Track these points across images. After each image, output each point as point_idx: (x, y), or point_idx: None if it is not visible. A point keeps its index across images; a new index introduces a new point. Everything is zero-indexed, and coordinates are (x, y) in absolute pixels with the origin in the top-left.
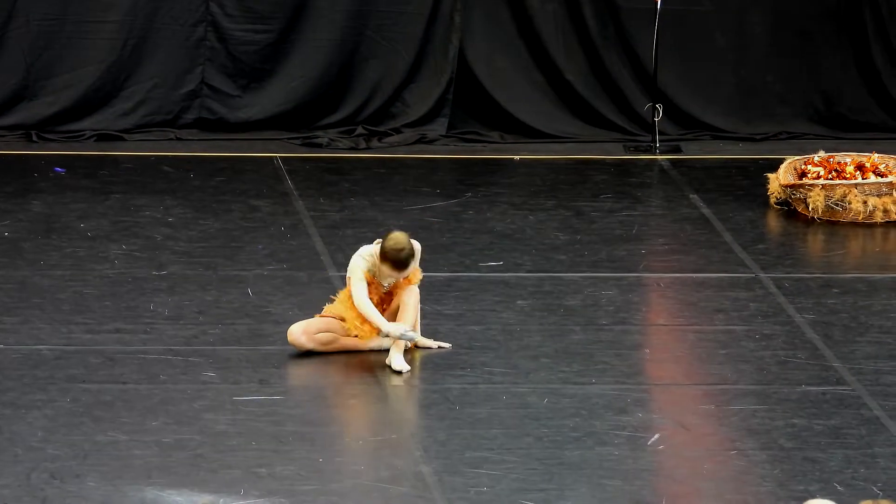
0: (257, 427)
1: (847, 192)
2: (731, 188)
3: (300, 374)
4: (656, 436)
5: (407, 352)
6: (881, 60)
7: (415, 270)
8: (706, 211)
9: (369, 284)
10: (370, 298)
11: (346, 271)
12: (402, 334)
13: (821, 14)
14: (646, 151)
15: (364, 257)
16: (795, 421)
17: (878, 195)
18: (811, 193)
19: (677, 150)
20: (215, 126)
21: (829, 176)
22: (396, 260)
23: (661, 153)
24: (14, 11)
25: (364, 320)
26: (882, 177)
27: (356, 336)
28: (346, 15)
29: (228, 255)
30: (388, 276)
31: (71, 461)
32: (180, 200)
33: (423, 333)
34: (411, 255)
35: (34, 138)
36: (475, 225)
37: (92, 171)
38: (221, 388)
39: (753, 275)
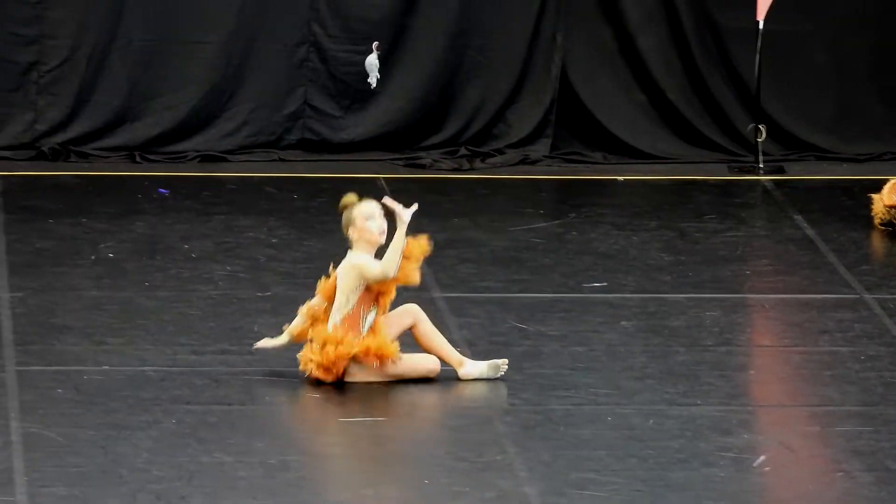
0: (362, 448)
1: None
2: (835, 209)
3: (404, 395)
4: (762, 457)
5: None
6: None
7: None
8: (810, 232)
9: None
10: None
11: (449, 292)
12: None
13: None
14: (749, 172)
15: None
16: None
17: None
18: None
19: (781, 171)
20: (318, 147)
21: None
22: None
23: (765, 174)
24: (117, 33)
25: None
26: None
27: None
28: (448, 35)
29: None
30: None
31: (176, 482)
32: (284, 221)
33: (526, 355)
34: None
35: (137, 159)
36: (578, 246)
37: (195, 192)
38: (326, 409)
39: (858, 296)
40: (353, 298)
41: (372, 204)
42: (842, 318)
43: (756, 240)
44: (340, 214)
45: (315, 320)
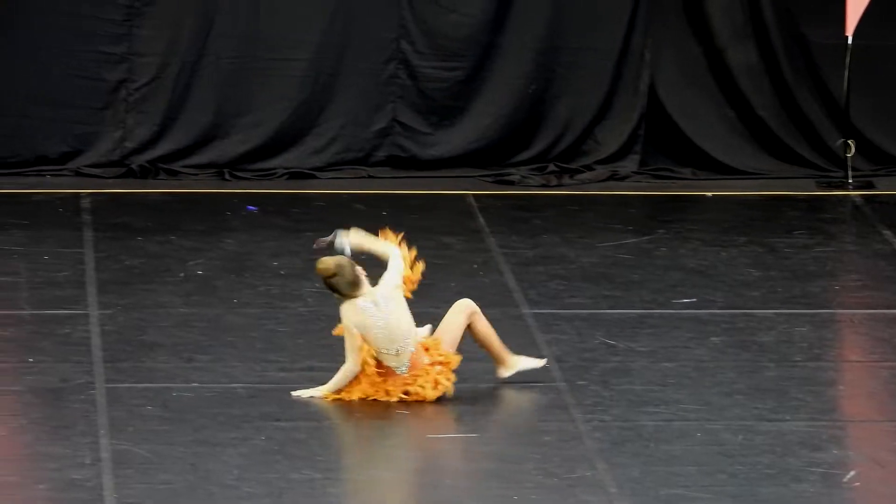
0: (451, 464)
1: None
2: None
3: (493, 411)
4: (851, 473)
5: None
6: None
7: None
8: None
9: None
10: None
11: (539, 309)
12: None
13: None
14: (838, 187)
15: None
16: None
17: None
18: None
19: (870, 186)
20: (407, 163)
21: None
22: (325, 283)
23: (854, 189)
24: (205, 50)
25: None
26: None
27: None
28: (537, 52)
29: (420, 293)
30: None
31: (265, 499)
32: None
33: (615, 371)
34: (332, 275)
35: (226, 176)
36: (667, 261)
37: (284, 209)
38: (415, 426)
39: None
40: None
41: (341, 255)
42: None
43: (845, 255)
44: (330, 278)
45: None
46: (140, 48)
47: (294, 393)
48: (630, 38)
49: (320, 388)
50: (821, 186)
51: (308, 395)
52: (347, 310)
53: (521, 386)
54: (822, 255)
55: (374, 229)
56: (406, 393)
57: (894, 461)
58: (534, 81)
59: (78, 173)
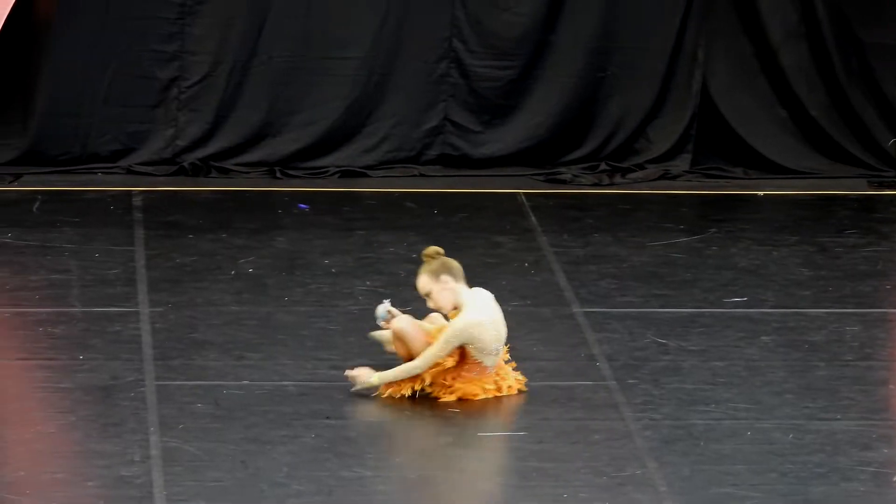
0: (500, 463)
1: None
2: None
3: (543, 410)
4: None
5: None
6: None
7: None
8: None
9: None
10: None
11: (590, 307)
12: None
13: None
14: (890, 187)
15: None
16: None
17: None
18: None
19: None
20: (458, 162)
21: None
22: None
23: None
24: (257, 49)
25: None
26: None
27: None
28: (589, 51)
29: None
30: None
31: (316, 497)
32: (423, 237)
33: (666, 370)
34: (425, 258)
35: (277, 175)
36: (718, 261)
37: (335, 207)
38: (465, 424)
39: None
40: None
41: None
42: None
43: None
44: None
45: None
46: (192, 46)
47: (349, 373)
48: (683, 38)
49: (381, 374)
50: (872, 186)
51: (365, 382)
52: (480, 302)
53: (572, 384)
54: (873, 255)
55: (425, 228)
56: (498, 389)
57: None
58: (586, 80)
59: (129, 171)
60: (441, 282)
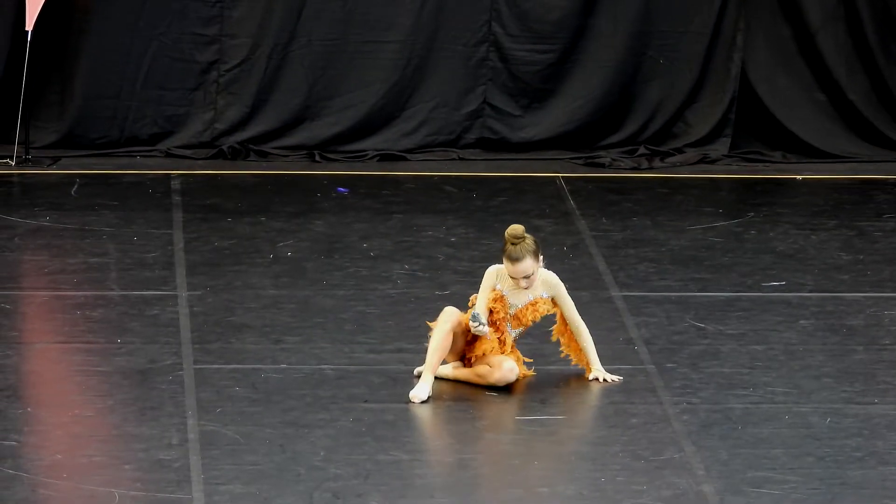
0: (539, 446)
1: None
2: None
3: (581, 393)
4: None
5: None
6: None
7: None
8: None
9: (497, 301)
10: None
11: (628, 291)
12: (475, 317)
13: None
14: None
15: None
16: None
17: None
18: None
19: None
20: (497, 146)
21: None
22: (508, 248)
23: None
24: (296, 32)
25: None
26: None
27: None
28: (628, 35)
29: None
30: (512, 279)
31: (353, 480)
32: (462, 220)
33: (705, 353)
34: (520, 240)
35: (317, 158)
36: (757, 245)
37: (374, 191)
38: (503, 408)
39: None
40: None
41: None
42: None
43: None
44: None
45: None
46: (231, 30)
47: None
48: (721, 22)
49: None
50: None
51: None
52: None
53: (609, 368)
54: None
55: (464, 211)
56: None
57: None
58: (625, 64)
59: (168, 154)
60: (540, 261)
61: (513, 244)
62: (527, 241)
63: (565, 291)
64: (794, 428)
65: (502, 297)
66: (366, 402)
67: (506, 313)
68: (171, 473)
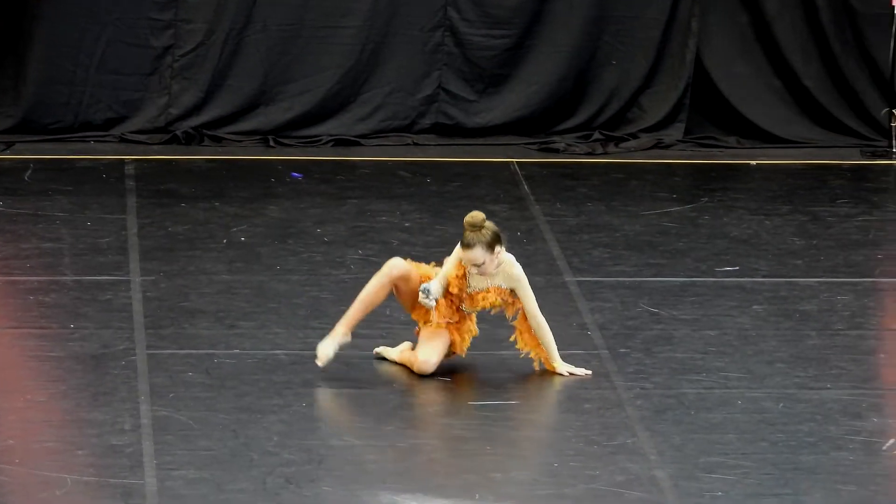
0: (492, 431)
1: None
2: None
3: (535, 378)
4: (892, 441)
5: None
6: None
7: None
8: None
9: (458, 277)
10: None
11: (582, 276)
12: (425, 290)
13: None
14: (882, 156)
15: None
16: None
17: None
18: None
19: None
20: (452, 131)
21: None
22: (464, 234)
23: None
24: (251, 17)
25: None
26: None
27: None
28: (584, 21)
29: None
30: (470, 265)
31: (306, 465)
32: (417, 206)
33: (658, 339)
34: (475, 229)
35: (271, 143)
36: (711, 230)
37: (329, 176)
38: (457, 393)
39: None
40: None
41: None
42: None
43: (889, 224)
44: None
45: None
46: (186, 15)
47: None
48: (677, 8)
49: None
50: (865, 155)
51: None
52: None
53: (563, 354)
54: (865, 224)
55: (418, 197)
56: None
57: None
58: (580, 49)
59: (122, 139)
60: (494, 253)
61: (469, 231)
62: (483, 231)
63: (527, 286)
64: (748, 413)
65: (464, 275)
66: (319, 387)
67: (462, 291)
68: (124, 458)
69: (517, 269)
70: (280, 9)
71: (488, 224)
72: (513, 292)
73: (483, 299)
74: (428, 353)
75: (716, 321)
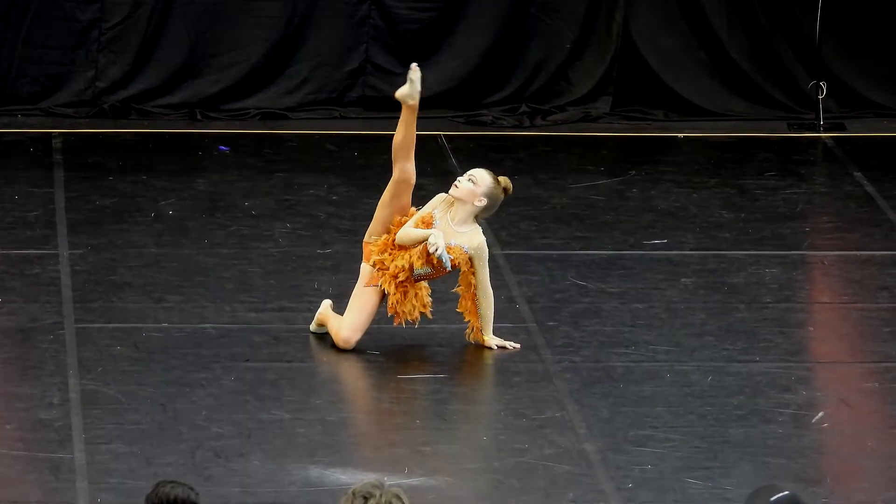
0: (421, 405)
1: None
2: (895, 165)
3: (464, 352)
4: (820, 414)
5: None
6: None
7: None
8: (870, 188)
9: (424, 224)
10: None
11: (510, 250)
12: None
13: None
14: (809, 129)
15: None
16: None
17: None
18: None
19: (841, 128)
20: (379, 104)
21: None
22: (499, 190)
23: (825, 131)
24: None
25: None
26: None
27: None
28: None
29: None
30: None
31: (235, 439)
32: (344, 179)
33: (586, 312)
34: (506, 192)
35: (198, 117)
36: (639, 203)
37: (256, 149)
38: (385, 367)
39: None
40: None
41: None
42: None
43: (816, 197)
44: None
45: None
46: None
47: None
48: None
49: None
50: (792, 128)
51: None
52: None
53: (492, 328)
54: (793, 197)
55: (345, 170)
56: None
57: (863, 402)
58: (507, 22)
59: (49, 113)
60: (481, 194)
61: (500, 183)
62: (499, 186)
63: (486, 256)
64: (676, 386)
65: (430, 224)
66: (247, 360)
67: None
68: (53, 433)
69: (483, 240)
70: None
71: (501, 196)
72: (471, 260)
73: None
74: (349, 332)
75: (644, 294)
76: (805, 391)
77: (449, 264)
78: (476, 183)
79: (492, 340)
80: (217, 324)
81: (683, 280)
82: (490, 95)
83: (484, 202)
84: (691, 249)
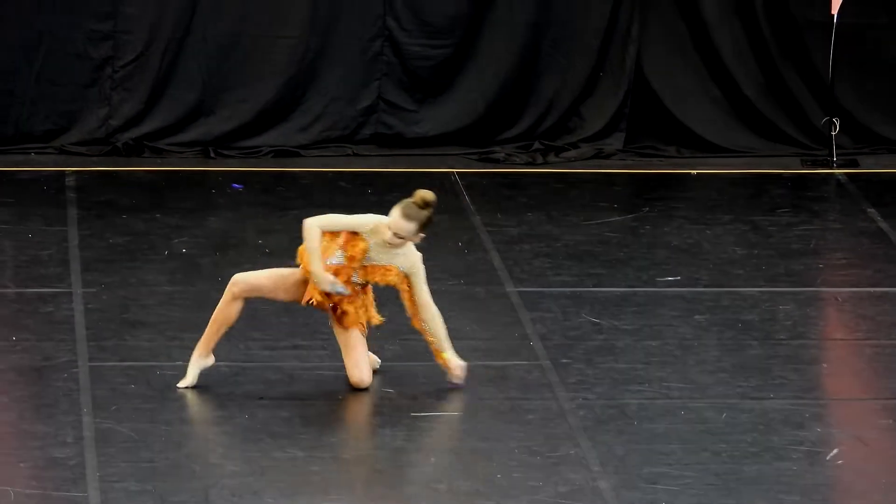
0: (435, 442)
1: None
2: None
3: (477, 389)
4: (835, 451)
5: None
6: None
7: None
8: (883, 225)
9: (356, 245)
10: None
11: (523, 287)
12: (331, 286)
13: None
14: (823, 165)
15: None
16: None
17: None
18: None
19: (854, 164)
20: (392, 141)
21: None
22: (410, 205)
23: (838, 167)
24: (191, 27)
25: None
26: None
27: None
28: (523, 29)
29: None
30: (387, 231)
31: (249, 477)
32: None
33: (600, 349)
34: (424, 208)
35: (211, 154)
36: (652, 239)
37: (269, 187)
38: (399, 404)
39: None
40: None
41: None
42: None
43: (829, 233)
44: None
45: None
46: (126, 25)
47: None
48: (617, 15)
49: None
50: (805, 165)
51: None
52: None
53: (505, 364)
54: (806, 233)
55: (358, 207)
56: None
57: (877, 439)
58: (520, 58)
59: (63, 151)
60: (416, 237)
61: (416, 205)
62: (426, 212)
63: (423, 274)
64: (690, 423)
65: (365, 245)
66: (261, 398)
67: (360, 260)
68: (67, 471)
69: (418, 257)
70: (219, 19)
71: (431, 209)
72: (408, 278)
73: (382, 275)
74: (358, 372)
75: (657, 331)
76: (819, 428)
77: (347, 289)
78: (403, 236)
79: (454, 359)
80: (231, 361)
81: (697, 317)
82: (503, 132)
83: (422, 236)
84: (705, 286)
